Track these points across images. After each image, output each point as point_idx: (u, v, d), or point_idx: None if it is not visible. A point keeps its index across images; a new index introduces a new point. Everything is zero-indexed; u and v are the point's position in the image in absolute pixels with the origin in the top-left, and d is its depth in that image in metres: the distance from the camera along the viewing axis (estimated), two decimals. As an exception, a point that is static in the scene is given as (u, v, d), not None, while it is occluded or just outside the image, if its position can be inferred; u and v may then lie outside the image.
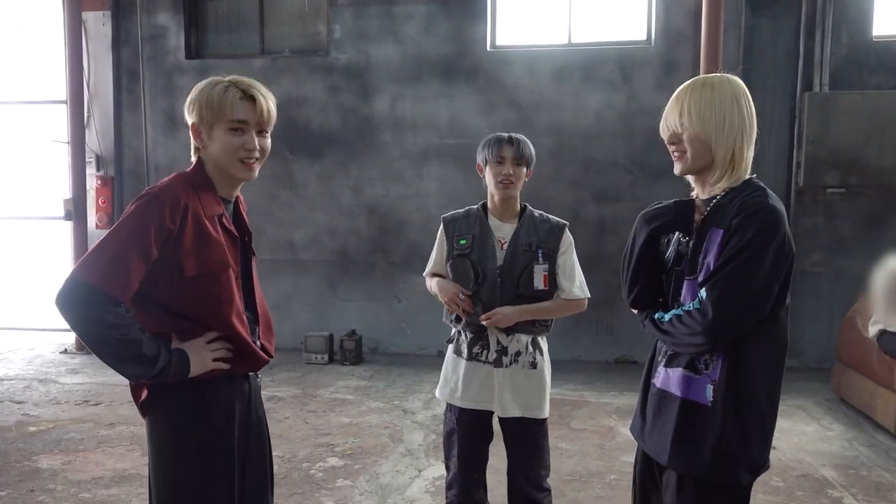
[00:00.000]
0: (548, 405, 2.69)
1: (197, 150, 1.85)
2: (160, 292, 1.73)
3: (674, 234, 1.84)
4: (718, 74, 1.80)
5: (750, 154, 1.77)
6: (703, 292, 1.67)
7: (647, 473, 1.92)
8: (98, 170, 7.49)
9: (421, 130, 7.03)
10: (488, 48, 6.93)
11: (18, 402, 5.35)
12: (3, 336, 7.69)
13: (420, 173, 7.06)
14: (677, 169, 1.82)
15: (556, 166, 6.81)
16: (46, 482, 3.85)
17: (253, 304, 1.94)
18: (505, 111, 6.88)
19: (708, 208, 1.76)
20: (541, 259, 2.60)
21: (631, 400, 5.47)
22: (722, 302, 1.62)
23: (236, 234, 1.88)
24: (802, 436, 4.71)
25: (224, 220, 1.84)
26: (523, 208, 2.72)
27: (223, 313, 1.79)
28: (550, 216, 2.74)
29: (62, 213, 7.14)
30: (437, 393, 2.80)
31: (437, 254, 2.80)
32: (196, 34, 7.56)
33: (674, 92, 6.10)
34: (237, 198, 1.94)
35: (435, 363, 6.55)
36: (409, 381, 6.02)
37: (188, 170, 1.85)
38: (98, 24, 7.44)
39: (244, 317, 1.87)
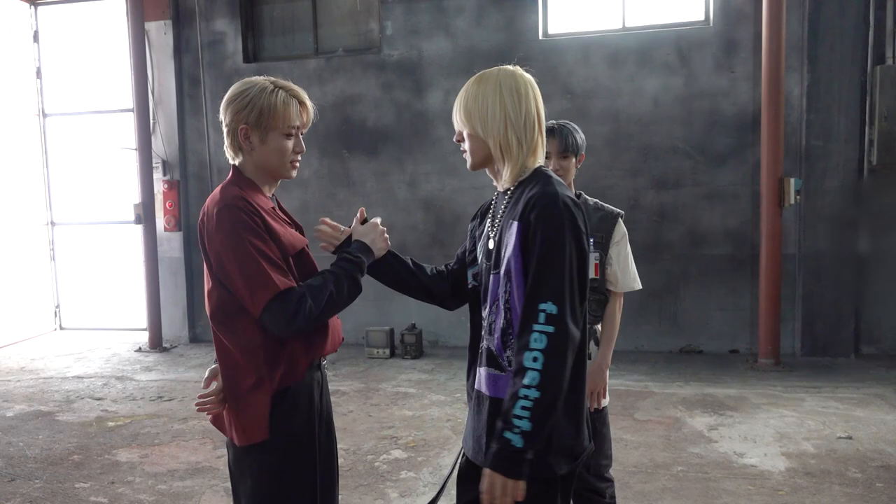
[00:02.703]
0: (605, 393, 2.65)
1: (238, 152, 1.88)
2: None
3: (483, 229, 1.88)
4: (496, 68, 1.80)
5: (530, 144, 1.75)
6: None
7: (468, 468, 1.86)
8: (164, 174, 7.77)
9: (475, 123, 7.00)
10: (540, 37, 6.85)
11: (98, 399, 5.61)
12: (82, 336, 8.08)
13: (475, 166, 7.04)
14: (467, 165, 1.86)
15: (613, 154, 6.69)
16: (125, 475, 4.02)
17: None
18: (559, 100, 6.79)
19: (504, 201, 1.78)
20: (592, 248, 2.53)
21: (697, 390, 5.34)
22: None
23: (291, 221, 1.96)
24: (882, 425, 4.51)
25: (277, 212, 1.91)
26: (577, 196, 2.64)
27: None
28: (605, 204, 2.67)
29: (133, 218, 7.43)
30: None
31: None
32: (253, 38, 7.73)
33: (734, 72, 6.08)
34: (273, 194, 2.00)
35: (495, 356, 6.55)
36: (469, 373, 6.03)
37: (230, 179, 1.88)
38: (160, 33, 7.69)
39: None
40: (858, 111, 6.15)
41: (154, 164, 7.56)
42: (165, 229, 7.67)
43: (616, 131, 6.69)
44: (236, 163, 1.90)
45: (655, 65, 6.59)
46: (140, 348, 7.38)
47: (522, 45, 6.85)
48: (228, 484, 3.81)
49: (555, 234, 1.61)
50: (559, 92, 6.78)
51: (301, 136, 1.92)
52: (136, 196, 7.47)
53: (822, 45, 6.16)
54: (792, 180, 5.89)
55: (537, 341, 1.56)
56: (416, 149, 7.19)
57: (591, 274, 2.52)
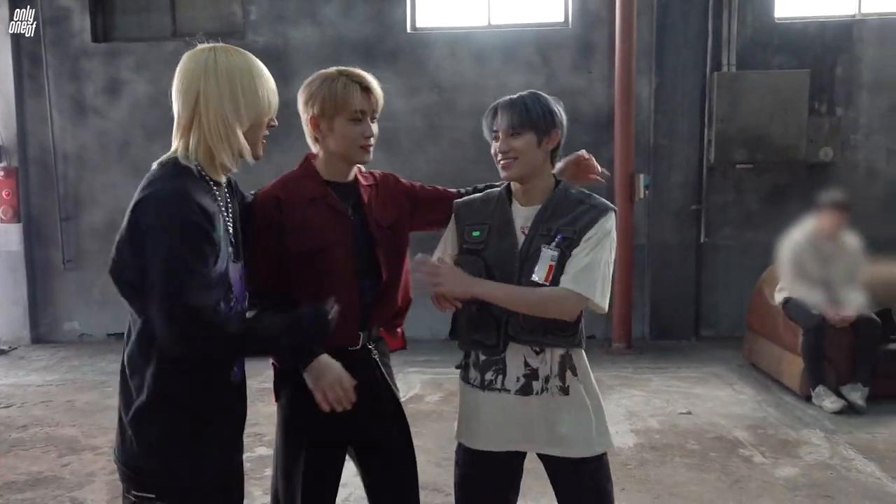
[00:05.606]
0: (605, 436, 2.04)
1: (315, 142, 2.07)
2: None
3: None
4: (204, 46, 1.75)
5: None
6: None
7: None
8: (0, 160, 7.07)
9: (343, 114, 6.94)
10: (409, 30, 6.89)
11: (-79, 409, 5.05)
12: None
13: (344, 157, 6.98)
14: None
15: (480, 148, 6.79)
16: (-45, 490, 3.66)
17: (375, 273, 2.04)
18: (427, 94, 6.87)
19: None
20: (554, 244, 1.95)
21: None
22: None
23: (342, 210, 2.03)
24: (716, 400, 4.96)
25: (329, 200, 2.02)
26: (557, 183, 2.11)
27: (326, 287, 1.91)
28: (595, 196, 2.09)
29: (-38, 207, 6.72)
30: (455, 435, 2.14)
31: (442, 247, 2.19)
32: (102, 16, 7.20)
33: (591, 73, 6.40)
34: (356, 177, 2.10)
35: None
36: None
37: (296, 167, 2.11)
38: (-7, 5, 6.99)
39: (355, 286, 2.00)
40: (699, 113, 6.69)
41: (-12, 149, 6.88)
42: (2, 221, 6.99)
43: (482, 127, 6.85)
44: (315, 151, 2.09)
45: (518, 63, 6.82)
46: (-28, 351, 6.70)
47: (391, 37, 6.86)
48: (74, 493, 3.60)
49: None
50: (427, 85, 6.86)
51: (373, 121, 2.01)
52: (-35, 184, 6.76)
53: (668, 50, 6.64)
54: (641, 176, 6.32)
55: None
56: (282, 139, 6.92)
57: (542, 278, 1.93)
